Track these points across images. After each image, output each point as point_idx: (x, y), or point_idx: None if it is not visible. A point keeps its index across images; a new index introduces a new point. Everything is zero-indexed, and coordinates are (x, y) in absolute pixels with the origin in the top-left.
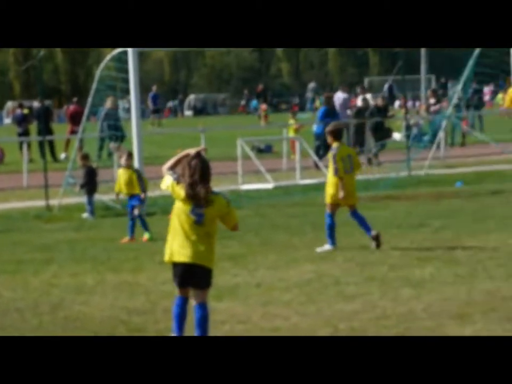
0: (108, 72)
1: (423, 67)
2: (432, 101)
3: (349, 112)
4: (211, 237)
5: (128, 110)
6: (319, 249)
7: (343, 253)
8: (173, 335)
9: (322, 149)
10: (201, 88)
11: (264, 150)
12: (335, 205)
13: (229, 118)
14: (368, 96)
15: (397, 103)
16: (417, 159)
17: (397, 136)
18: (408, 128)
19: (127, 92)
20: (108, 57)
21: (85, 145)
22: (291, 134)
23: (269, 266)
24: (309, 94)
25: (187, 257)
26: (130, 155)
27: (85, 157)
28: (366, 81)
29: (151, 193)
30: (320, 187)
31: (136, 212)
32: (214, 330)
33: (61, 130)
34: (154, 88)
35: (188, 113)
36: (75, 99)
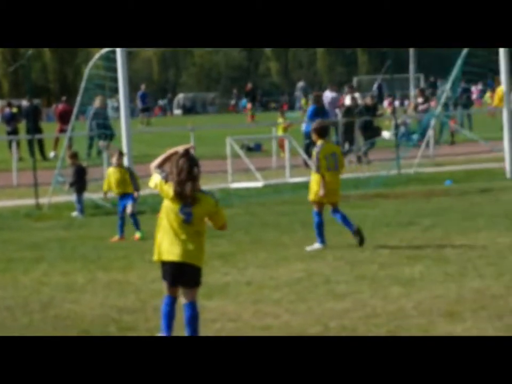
0: (97, 71)
1: (411, 66)
2: (420, 100)
3: (337, 111)
4: (200, 235)
5: (117, 109)
6: (308, 248)
7: (333, 252)
8: (161, 334)
9: (311, 147)
10: (190, 87)
11: (254, 149)
12: (321, 203)
13: (218, 117)
14: (357, 95)
15: (386, 102)
16: (407, 157)
17: (386, 134)
18: (397, 126)
19: (116, 90)
20: (97, 56)
21: (74, 143)
22: (280, 132)
23: (259, 265)
24: (298, 93)
25: (176, 256)
26: (121, 154)
27: (74, 156)
28: (355, 80)
29: (140, 191)
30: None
31: (129, 210)
32: (205, 329)
33: (49, 129)
34: (143, 87)
35: (177, 112)
36: (64, 98)
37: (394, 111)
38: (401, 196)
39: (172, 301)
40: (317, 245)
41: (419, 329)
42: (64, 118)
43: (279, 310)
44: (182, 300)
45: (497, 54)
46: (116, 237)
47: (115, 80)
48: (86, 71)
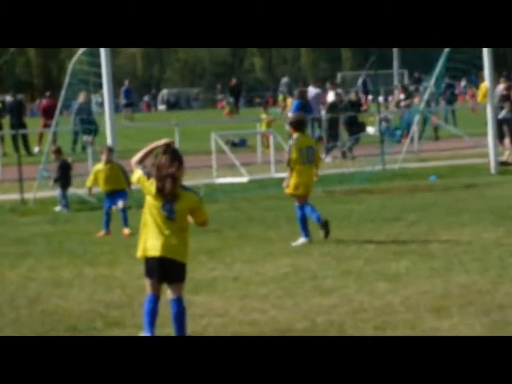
0: (80, 66)
1: (395, 62)
2: (401, 96)
3: (321, 107)
4: (184, 231)
5: (101, 104)
6: (294, 244)
7: (319, 247)
8: (144, 333)
9: None
10: (174, 83)
11: (239, 144)
12: (300, 196)
13: (203, 112)
14: (339, 91)
15: (370, 97)
16: (391, 153)
17: (370, 130)
18: (381, 122)
19: (99, 86)
20: (80, 51)
21: (58, 139)
22: (263, 128)
23: (245, 260)
24: (282, 89)
25: (161, 252)
26: (110, 150)
27: (57, 151)
28: (339, 76)
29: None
30: None
31: (121, 205)
32: (192, 324)
33: (34, 124)
34: (126, 82)
35: (161, 107)
36: (48, 93)
37: (378, 107)
38: (386, 191)
39: (155, 299)
40: (301, 239)
41: (406, 324)
42: (48, 113)
43: (266, 305)
44: (168, 296)
45: (481, 50)
46: (102, 232)
47: (99, 75)
48: (70, 66)
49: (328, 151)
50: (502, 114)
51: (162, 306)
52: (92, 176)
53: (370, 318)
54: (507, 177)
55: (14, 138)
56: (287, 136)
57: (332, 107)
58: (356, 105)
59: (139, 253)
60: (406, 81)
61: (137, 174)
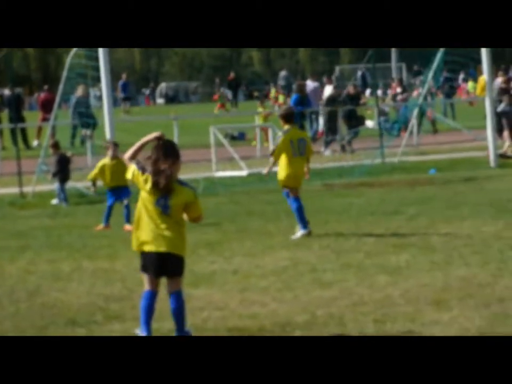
0: (79, 60)
1: (393, 56)
2: (398, 89)
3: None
4: (181, 225)
5: (99, 98)
6: (293, 237)
7: (319, 240)
8: (140, 330)
9: None
10: (173, 76)
11: (238, 138)
12: (292, 188)
13: (201, 106)
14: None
15: (368, 91)
16: (391, 146)
17: (369, 123)
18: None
19: (98, 79)
20: None
21: (57, 132)
22: (260, 121)
23: (245, 253)
24: (281, 82)
25: (158, 247)
26: (116, 145)
27: (55, 145)
28: (337, 69)
29: None
30: None
31: (126, 201)
32: (192, 317)
33: (32, 117)
34: (124, 76)
35: (160, 101)
36: (46, 87)
37: (377, 101)
38: (386, 185)
39: (152, 295)
40: (300, 231)
41: (406, 317)
42: (46, 106)
43: (266, 298)
44: (167, 290)
45: None
46: (101, 226)
47: (97, 69)
48: (68, 60)
49: (327, 144)
50: (501, 107)
51: (161, 299)
52: (97, 170)
53: (370, 311)
54: (506, 171)
55: (13, 132)
56: None
57: (331, 100)
58: (355, 99)
59: (134, 247)
60: (405, 74)
61: (131, 170)
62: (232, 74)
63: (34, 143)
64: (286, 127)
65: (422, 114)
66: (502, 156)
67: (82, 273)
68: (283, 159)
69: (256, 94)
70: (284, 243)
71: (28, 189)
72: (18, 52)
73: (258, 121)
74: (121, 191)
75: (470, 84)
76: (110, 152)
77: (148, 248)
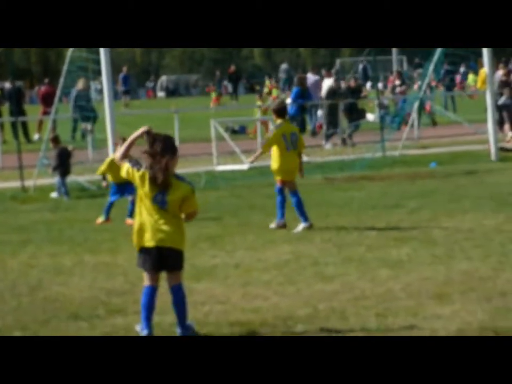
0: (79, 53)
1: (394, 49)
2: (397, 82)
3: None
4: (179, 219)
5: (100, 91)
6: (295, 230)
7: (320, 234)
8: (141, 327)
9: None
10: (173, 70)
11: (238, 131)
12: (287, 182)
13: (202, 99)
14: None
15: (368, 84)
16: (391, 139)
17: (370, 117)
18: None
19: (98, 73)
20: None
21: (58, 126)
22: (260, 115)
23: (247, 247)
24: (282, 75)
25: (158, 242)
26: (125, 140)
27: (55, 139)
28: (338, 62)
29: None
30: None
31: (131, 197)
32: (193, 311)
33: (33, 111)
34: (124, 69)
35: (161, 94)
36: (47, 80)
37: (378, 93)
38: (387, 178)
39: (152, 290)
40: (301, 225)
41: (408, 311)
42: (47, 100)
43: (268, 292)
44: (168, 284)
45: None
46: (101, 219)
47: (98, 62)
48: (69, 53)
49: (328, 138)
50: (502, 100)
51: (162, 293)
52: (106, 165)
53: (372, 305)
54: (507, 164)
55: (14, 125)
56: None
57: (331, 93)
58: (355, 92)
59: (135, 244)
60: (405, 67)
61: (125, 168)
62: (232, 67)
63: (35, 136)
64: (279, 121)
65: (420, 107)
66: (503, 149)
67: (84, 267)
68: (276, 153)
69: (257, 87)
70: (286, 237)
71: (29, 182)
72: None
73: (258, 114)
74: (126, 187)
75: (470, 77)
76: (119, 148)
77: (148, 244)
